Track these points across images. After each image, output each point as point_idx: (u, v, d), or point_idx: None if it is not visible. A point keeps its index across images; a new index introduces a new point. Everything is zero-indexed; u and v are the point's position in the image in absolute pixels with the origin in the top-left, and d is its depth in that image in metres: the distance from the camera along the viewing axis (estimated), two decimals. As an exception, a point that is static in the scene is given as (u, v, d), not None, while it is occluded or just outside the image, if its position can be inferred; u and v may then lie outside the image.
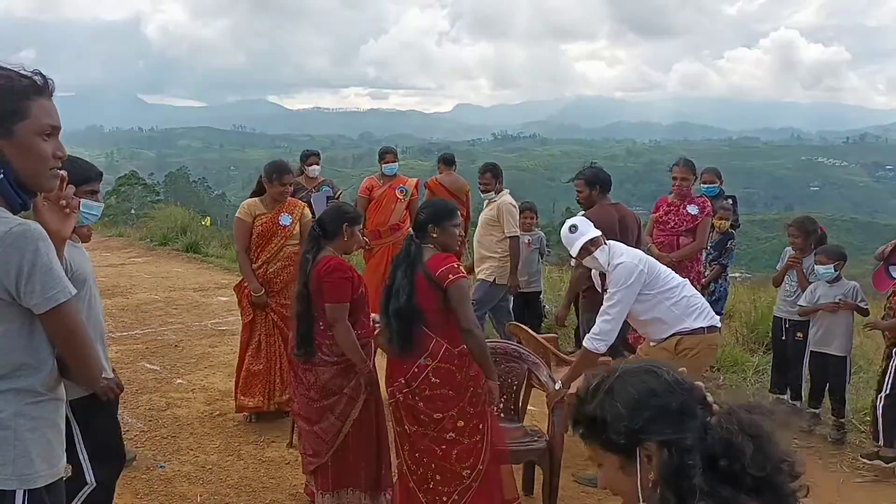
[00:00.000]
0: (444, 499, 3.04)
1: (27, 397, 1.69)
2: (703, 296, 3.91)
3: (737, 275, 10.70)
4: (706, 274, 5.47)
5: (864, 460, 4.18)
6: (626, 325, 3.73)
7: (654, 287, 3.41)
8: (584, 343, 3.52)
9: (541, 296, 6.39)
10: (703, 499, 1.12)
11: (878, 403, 4.08)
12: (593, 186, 4.69)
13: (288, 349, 3.89)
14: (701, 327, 3.41)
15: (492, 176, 5.74)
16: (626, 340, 4.46)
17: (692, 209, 5.14)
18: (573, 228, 3.61)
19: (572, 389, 3.87)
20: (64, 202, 1.81)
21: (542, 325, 6.28)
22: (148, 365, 5.70)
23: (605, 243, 3.57)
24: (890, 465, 4.03)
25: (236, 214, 4.62)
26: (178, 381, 5.39)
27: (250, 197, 4.65)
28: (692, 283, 3.89)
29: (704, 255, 5.44)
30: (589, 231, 3.55)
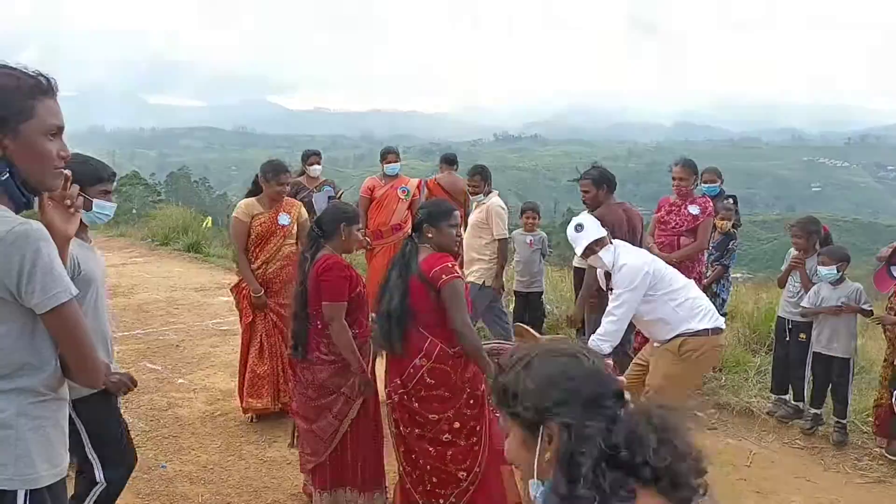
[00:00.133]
0: (441, 501, 3.04)
1: (29, 397, 1.69)
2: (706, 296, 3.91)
3: (738, 275, 10.69)
4: (708, 274, 5.46)
5: (890, 456, 4.21)
6: (631, 327, 3.73)
7: (660, 289, 3.41)
8: (589, 343, 3.51)
9: (542, 296, 6.38)
10: (587, 486, 1.13)
11: (893, 401, 4.08)
12: (600, 186, 4.69)
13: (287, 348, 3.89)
14: (705, 329, 3.41)
15: (481, 178, 5.74)
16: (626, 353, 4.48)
17: (693, 209, 5.13)
18: (579, 227, 3.61)
19: None
20: (69, 202, 1.82)
21: (544, 325, 6.28)
22: (149, 365, 5.70)
23: (611, 243, 3.57)
24: None
25: (233, 214, 4.59)
26: (180, 380, 5.40)
27: (246, 196, 4.63)
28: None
29: (706, 255, 5.44)
30: (594, 231, 3.55)
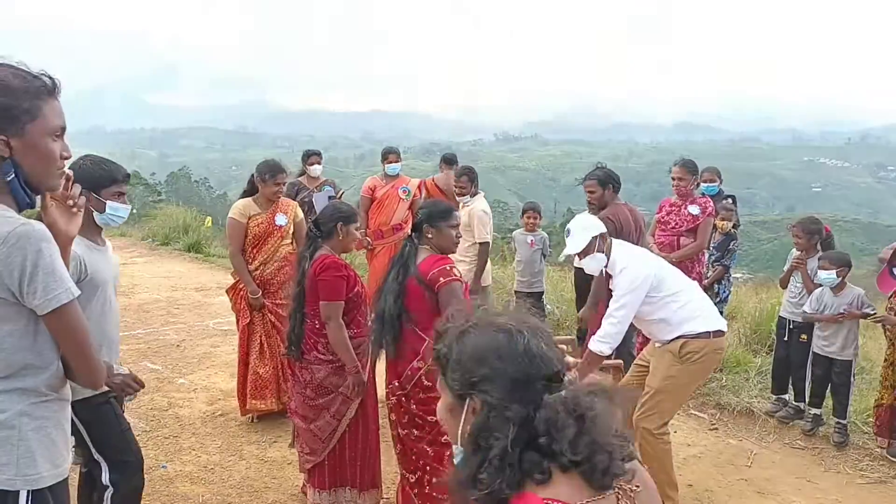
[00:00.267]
0: (442, 502, 3.03)
1: (31, 397, 1.70)
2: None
3: (739, 275, 10.69)
4: (708, 275, 5.46)
5: (891, 457, 4.22)
6: (634, 329, 3.73)
7: (661, 290, 3.39)
8: (589, 345, 3.50)
9: (543, 296, 6.38)
10: (491, 471, 1.13)
11: None
12: (606, 186, 4.69)
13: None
14: (707, 331, 3.39)
15: (468, 180, 5.73)
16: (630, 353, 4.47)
17: (693, 209, 5.13)
18: (567, 232, 3.62)
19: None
20: (71, 202, 1.83)
21: (545, 325, 6.27)
22: (150, 365, 5.70)
23: (603, 250, 3.53)
24: None
25: (229, 215, 4.53)
26: (180, 380, 5.40)
27: (242, 197, 4.59)
28: (694, 285, 3.87)
29: (707, 255, 5.43)
30: (580, 241, 3.52)
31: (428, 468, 3.03)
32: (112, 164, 2.67)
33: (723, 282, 5.56)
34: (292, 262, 4.25)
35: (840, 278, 4.42)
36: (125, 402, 2.91)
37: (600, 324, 3.51)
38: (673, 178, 5.23)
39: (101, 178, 2.56)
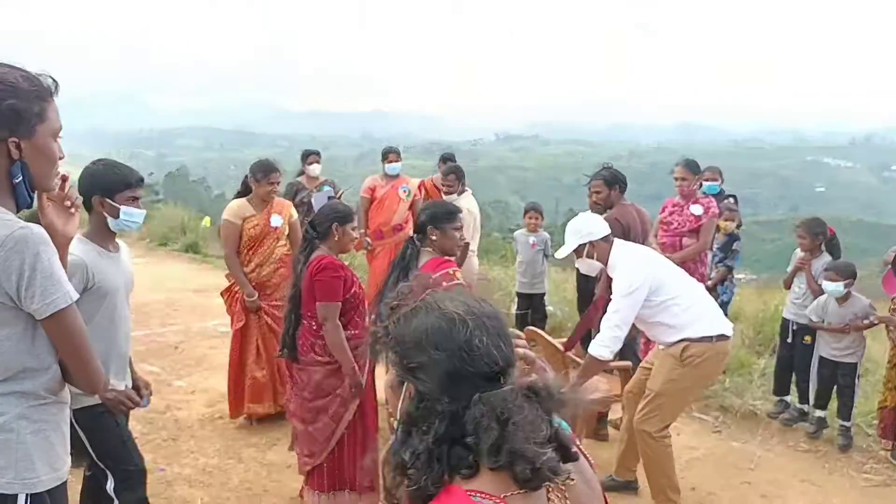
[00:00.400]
0: None
1: (30, 400, 1.70)
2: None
3: (742, 276, 10.64)
4: (711, 276, 5.42)
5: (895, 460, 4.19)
6: (639, 332, 3.70)
7: (660, 294, 3.34)
8: (589, 349, 3.46)
9: (545, 297, 6.34)
10: (416, 464, 1.11)
11: None
12: (613, 187, 4.66)
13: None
14: (709, 335, 3.34)
15: (455, 178, 5.70)
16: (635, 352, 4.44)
17: (696, 210, 5.10)
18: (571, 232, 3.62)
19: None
20: (68, 202, 1.84)
21: (546, 327, 6.23)
22: (147, 367, 5.66)
23: (592, 256, 3.51)
24: None
25: (224, 217, 4.46)
26: (178, 383, 5.37)
27: (235, 197, 4.52)
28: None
29: (710, 256, 5.39)
30: (566, 247, 3.54)
31: None
32: (125, 168, 2.60)
33: (726, 283, 5.52)
34: (288, 263, 4.21)
35: (847, 290, 4.37)
36: (140, 407, 2.85)
37: (600, 323, 3.48)
38: (675, 179, 5.20)
39: (114, 183, 2.50)
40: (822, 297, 4.51)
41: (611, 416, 4.54)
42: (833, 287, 4.36)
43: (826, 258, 4.67)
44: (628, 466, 3.74)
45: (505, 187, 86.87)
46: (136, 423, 4.50)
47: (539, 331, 4.47)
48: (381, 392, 3.32)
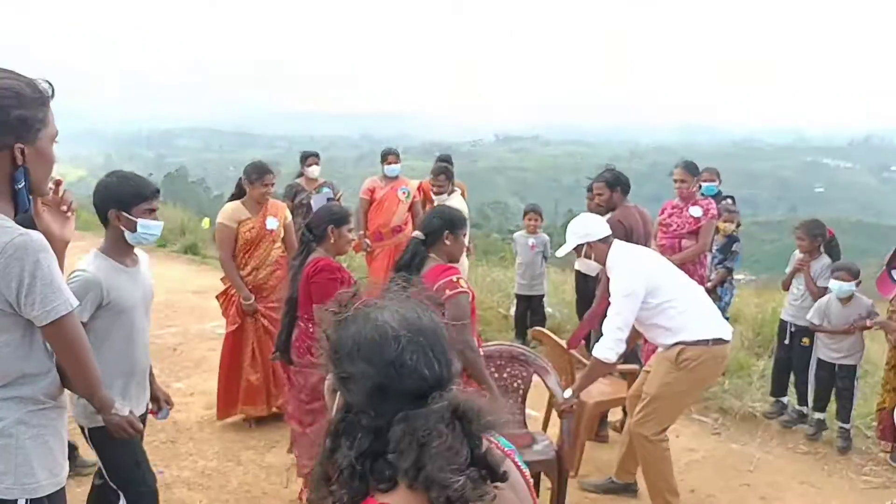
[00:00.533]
0: None
1: (29, 405, 1.71)
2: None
3: (741, 277, 10.63)
4: (711, 278, 5.41)
5: (894, 462, 4.19)
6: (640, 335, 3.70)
7: (657, 297, 3.33)
8: (594, 352, 3.45)
9: (544, 299, 6.34)
10: (339, 480, 1.10)
11: None
12: (615, 188, 4.66)
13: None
14: (705, 339, 3.32)
15: (445, 178, 5.69)
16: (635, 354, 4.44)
17: (695, 211, 5.09)
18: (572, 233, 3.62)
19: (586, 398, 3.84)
20: (64, 206, 1.84)
21: (545, 328, 6.23)
22: (147, 368, 5.65)
23: (590, 256, 3.51)
24: None
25: (218, 220, 4.41)
26: (177, 385, 5.35)
27: (229, 200, 4.48)
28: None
29: (710, 258, 5.39)
30: (565, 246, 3.55)
31: None
32: (140, 180, 2.57)
33: (725, 284, 5.52)
34: (284, 265, 4.19)
35: (856, 290, 4.37)
36: (157, 418, 2.83)
37: (600, 324, 3.48)
38: (675, 181, 5.19)
39: (129, 196, 2.47)
40: (824, 300, 4.50)
41: (611, 418, 4.54)
42: (846, 287, 4.33)
43: (825, 260, 4.66)
44: (628, 469, 3.74)
45: (504, 188, 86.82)
46: (135, 426, 4.50)
47: (546, 331, 4.47)
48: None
